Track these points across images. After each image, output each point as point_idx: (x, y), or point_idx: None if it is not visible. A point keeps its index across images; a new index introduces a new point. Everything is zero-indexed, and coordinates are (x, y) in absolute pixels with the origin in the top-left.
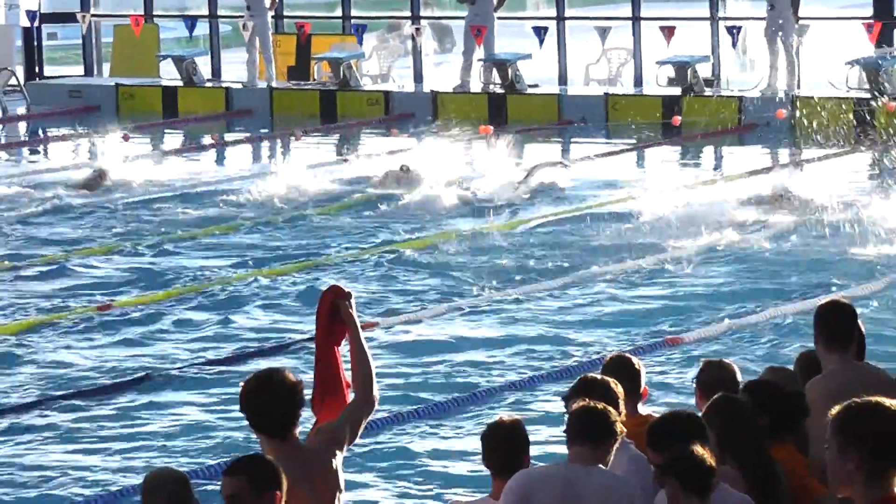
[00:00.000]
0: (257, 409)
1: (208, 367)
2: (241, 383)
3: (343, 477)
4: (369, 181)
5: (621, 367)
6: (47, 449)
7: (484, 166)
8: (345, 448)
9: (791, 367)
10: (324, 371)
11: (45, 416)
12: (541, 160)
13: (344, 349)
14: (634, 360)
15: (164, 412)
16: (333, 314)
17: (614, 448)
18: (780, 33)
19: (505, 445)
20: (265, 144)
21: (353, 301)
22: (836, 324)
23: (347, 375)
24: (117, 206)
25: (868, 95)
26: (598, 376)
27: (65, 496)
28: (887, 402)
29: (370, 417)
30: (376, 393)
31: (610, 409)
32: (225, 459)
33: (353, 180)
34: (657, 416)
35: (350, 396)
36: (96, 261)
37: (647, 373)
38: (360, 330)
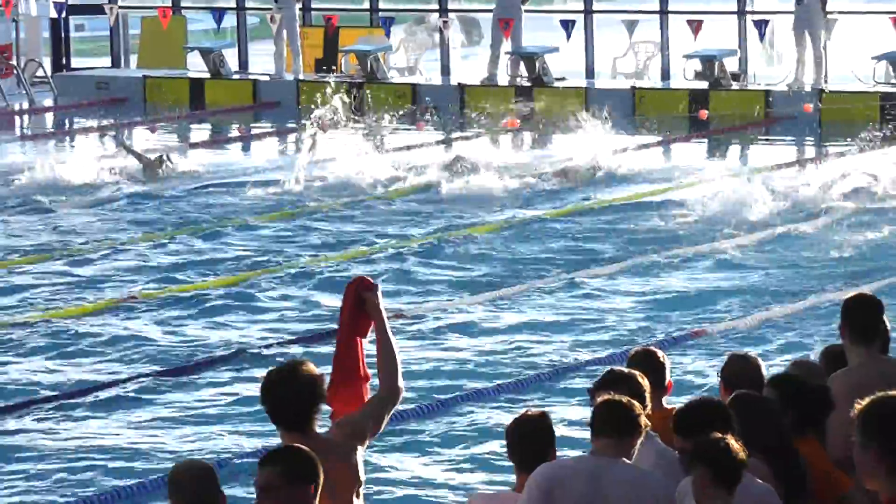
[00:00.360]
0: (277, 401)
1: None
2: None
3: (363, 470)
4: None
5: (646, 361)
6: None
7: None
8: (367, 441)
9: (817, 360)
10: (341, 362)
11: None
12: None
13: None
14: (659, 353)
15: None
16: (359, 306)
17: (638, 442)
18: (807, 28)
19: (529, 439)
20: (291, 137)
21: (379, 292)
22: (862, 318)
23: (371, 369)
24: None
25: (894, 90)
26: (625, 369)
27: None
28: None
29: (395, 409)
30: (401, 385)
31: (635, 402)
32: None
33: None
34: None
35: (367, 390)
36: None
37: (672, 365)
38: (386, 322)
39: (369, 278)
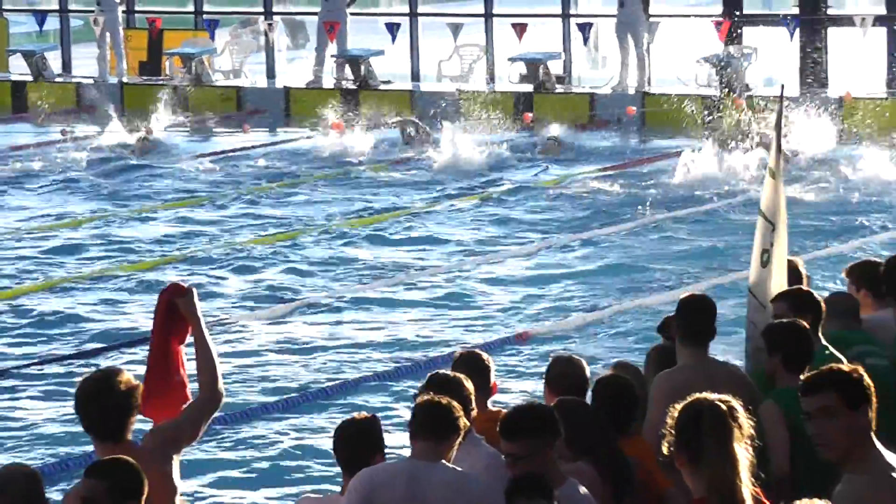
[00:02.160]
0: (91, 410)
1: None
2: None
3: (179, 478)
4: None
5: (471, 363)
6: None
7: None
8: (182, 448)
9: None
10: (154, 370)
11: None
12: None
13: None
14: (484, 355)
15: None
16: (174, 312)
17: (457, 443)
18: (630, 31)
19: (353, 442)
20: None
21: (195, 297)
22: (694, 319)
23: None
24: None
25: (717, 92)
26: (450, 373)
27: None
28: (718, 402)
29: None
30: (221, 389)
31: (454, 403)
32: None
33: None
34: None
35: (189, 395)
36: None
37: (497, 368)
38: (203, 326)
39: (182, 284)
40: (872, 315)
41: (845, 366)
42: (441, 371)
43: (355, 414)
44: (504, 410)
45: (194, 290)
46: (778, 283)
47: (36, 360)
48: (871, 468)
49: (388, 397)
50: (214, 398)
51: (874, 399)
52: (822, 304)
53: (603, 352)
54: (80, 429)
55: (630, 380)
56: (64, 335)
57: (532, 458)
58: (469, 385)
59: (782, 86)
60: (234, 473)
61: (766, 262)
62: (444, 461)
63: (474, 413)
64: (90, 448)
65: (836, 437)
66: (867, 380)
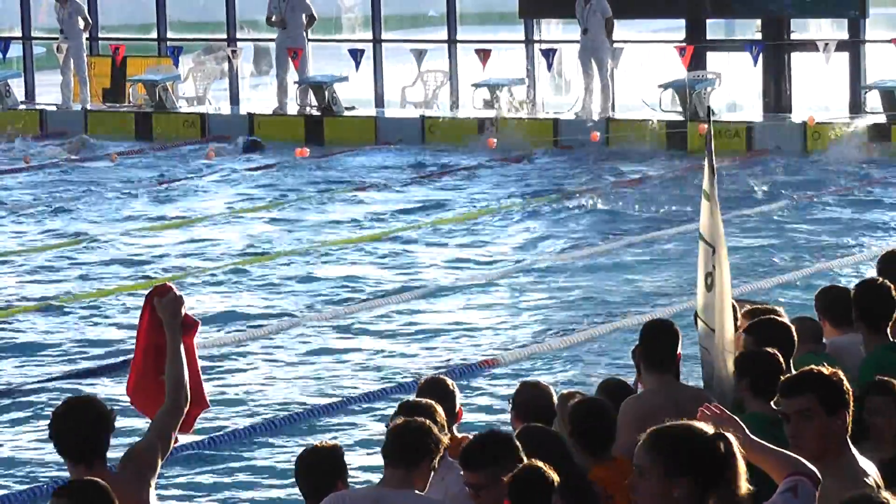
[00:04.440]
0: (64, 433)
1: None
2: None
3: (155, 501)
4: None
5: (436, 389)
6: None
7: None
8: (158, 467)
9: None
10: (135, 370)
11: None
12: None
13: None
14: (449, 381)
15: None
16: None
17: (429, 468)
18: (593, 56)
19: (314, 470)
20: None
21: (178, 302)
22: (657, 344)
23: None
24: None
25: (680, 118)
26: (422, 399)
27: None
28: (701, 425)
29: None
30: (184, 398)
31: (429, 424)
32: None
33: None
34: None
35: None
36: None
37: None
38: (177, 332)
39: (169, 285)
40: (839, 338)
41: (826, 368)
42: (412, 398)
43: (318, 442)
44: (468, 437)
45: (178, 295)
46: (724, 304)
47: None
48: (845, 474)
49: (363, 420)
50: (178, 409)
51: (852, 404)
52: (794, 333)
53: (574, 377)
54: (54, 454)
55: (605, 402)
56: (43, 358)
57: (492, 488)
58: (440, 410)
59: (709, 108)
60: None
61: (710, 286)
62: (414, 490)
63: (446, 439)
64: (65, 473)
65: (812, 440)
66: (846, 384)
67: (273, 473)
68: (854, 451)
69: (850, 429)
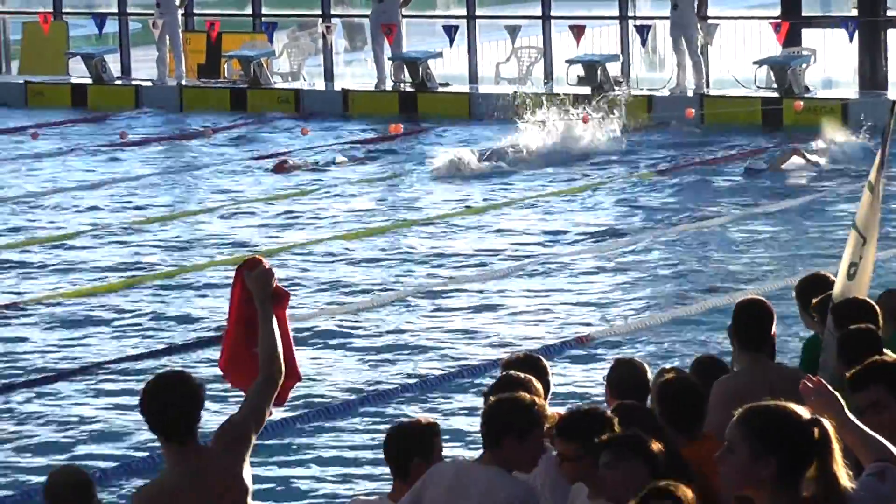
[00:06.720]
0: (155, 410)
1: None
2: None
3: (250, 476)
4: None
5: (530, 366)
6: None
7: None
8: (253, 440)
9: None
10: (227, 343)
11: None
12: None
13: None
14: (542, 358)
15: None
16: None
17: (530, 444)
18: (682, 33)
19: (401, 446)
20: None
21: (269, 275)
22: (750, 325)
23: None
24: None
25: (776, 94)
26: (521, 374)
27: None
28: (798, 408)
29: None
30: (280, 369)
31: (523, 401)
32: None
33: None
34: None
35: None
36: None
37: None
38: (269, 305)
39: (259, 257)
40: None
41: (889, 357)
42: (512, 372)
43: (406, 419)
44: (559, 413)
45: (268, 268)
46: (862, 296)
47: (107, 360)
48: None
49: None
50: (271, 382)
51: None
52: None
53: (668, 354)
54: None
55: (692, 380)
56: (135, 333)
57: (583, 460)
58: (538, 386)
59: (893, 102)
60: (299, 471)
61: (852, 276)
62: (495, 466)
63: (548, 412)
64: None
65: (888, 432)
66: None
67: (362, 447)
68: None
69: None
